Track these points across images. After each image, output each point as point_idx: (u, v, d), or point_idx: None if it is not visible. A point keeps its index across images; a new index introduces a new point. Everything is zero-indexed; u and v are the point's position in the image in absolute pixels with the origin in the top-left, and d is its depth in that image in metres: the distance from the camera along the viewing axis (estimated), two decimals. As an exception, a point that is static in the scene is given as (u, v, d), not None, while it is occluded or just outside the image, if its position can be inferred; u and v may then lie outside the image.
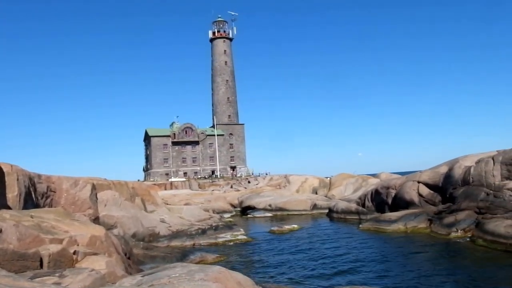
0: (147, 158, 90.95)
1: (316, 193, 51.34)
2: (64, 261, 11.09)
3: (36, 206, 15.26)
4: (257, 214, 42.45)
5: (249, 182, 72.00)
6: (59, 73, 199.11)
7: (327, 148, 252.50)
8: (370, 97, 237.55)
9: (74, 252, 11.73)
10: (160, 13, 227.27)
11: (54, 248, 11.22)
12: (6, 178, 13.41)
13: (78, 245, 12.37)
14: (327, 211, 38.45)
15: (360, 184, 47.34)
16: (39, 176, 16.64)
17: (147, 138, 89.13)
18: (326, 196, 47.65)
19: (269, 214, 41.69)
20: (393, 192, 30.78)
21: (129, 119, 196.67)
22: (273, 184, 63.47)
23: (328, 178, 56.79)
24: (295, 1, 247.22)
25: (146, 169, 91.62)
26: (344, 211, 34.99)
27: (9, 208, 13.20)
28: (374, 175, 51.60)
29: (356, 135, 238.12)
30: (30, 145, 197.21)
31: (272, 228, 29.57)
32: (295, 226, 30.06)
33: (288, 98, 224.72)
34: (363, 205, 34.55)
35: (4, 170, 13.31)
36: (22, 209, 13.78)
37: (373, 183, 42.81)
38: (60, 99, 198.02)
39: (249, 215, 43.04)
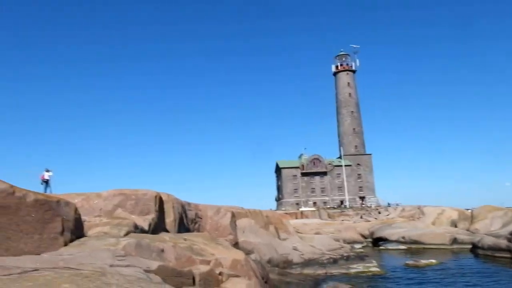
0: (279, 188, 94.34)
1: (456, 226, 47.19)
2: (212, 281, 12.46)
3: (187, 230, 17.35)
4: (389, 246, 40.68)
5: (379, 212, 69.31)
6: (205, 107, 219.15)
7: (465, 177, 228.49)
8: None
9: (220, 273, 13.07)
10: (283, 51, 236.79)
11: (203, 268, 12.66)
12: (165, 206, 15.65)
13: (222, 267, 13.71)
14: (469, 246, 35.09)
15: (510, 218, 42.18)
16: (189, 204, 18.92)
17: (278, 170, 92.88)
18: (467, 230, 43.54)
19: (403, 247, 39.59)
20: (553, 228, 26.96)
21: (261, 152, 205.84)
22: (405, 215, 60.07)
23: (469, 211, 51.90)
24: (419, 35, 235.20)
25: (278, 199, 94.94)
26: (491, 248, 31.48)
27: (167, 231, 15.33)
28: (527, 208, 45.71)
29: (501, 163, 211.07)
30: (179, 174, 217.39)
31: (407, 262, 28.13)
32: (433, 260, 28.13)
33: (417, 127, 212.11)
34: (516, 242, 30.73)
35: (163, 198, 15.57)
36: (177, 232, 15.86)
37: (526, 217, 37.96)
38: (203, 133, 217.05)
39: (381, 247, 41.44)
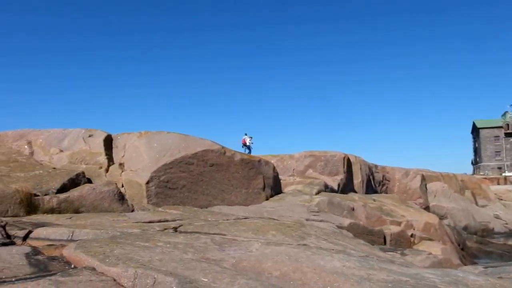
0: (476, 151, 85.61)
1: None
2: (403, 242, 12.41)
3: (374, 191, 17.45)
4: None
5: None
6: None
7: None
8: None
9: (411, 235, 12.89)
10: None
11: (394, 229, 12.67)
12: (353, 167, 16.04)
13: (414, 229, 13.46)
14: None
15: None
16: (376, 166, 18.89)
17: (475, 130, 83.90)
18: None
19: None
20: None
21: (454, 111, 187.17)
22: None
23: None
24: None
25: (474, 163, 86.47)
26: None
27: (355, 191, 15.74)
28: None
29: None
30: (366, 136, 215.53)
31: None
32: None
33: None
34: None
35: (351, 160, 15.96)
36: (364, 193, 16.12)
37: None
38: (391, 92, 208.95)
39: None
